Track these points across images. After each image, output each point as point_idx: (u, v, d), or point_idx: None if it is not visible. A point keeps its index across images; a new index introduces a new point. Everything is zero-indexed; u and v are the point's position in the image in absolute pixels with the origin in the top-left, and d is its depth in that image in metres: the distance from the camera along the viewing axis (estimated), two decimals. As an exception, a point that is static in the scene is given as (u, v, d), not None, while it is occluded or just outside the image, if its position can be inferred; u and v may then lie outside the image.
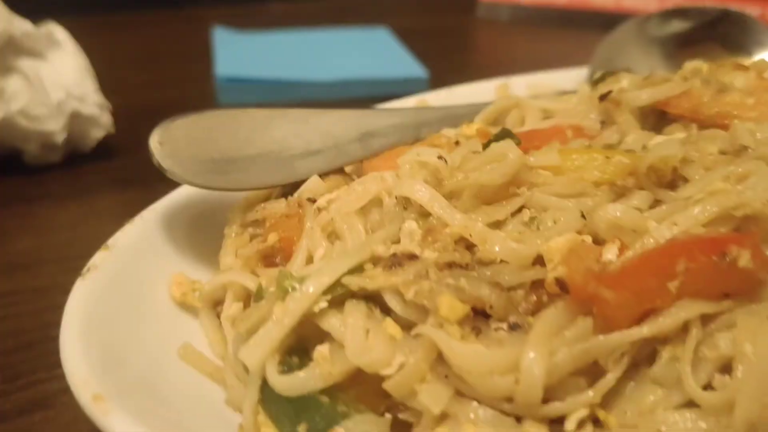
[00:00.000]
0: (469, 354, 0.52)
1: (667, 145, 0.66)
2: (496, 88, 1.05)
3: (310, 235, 0.68)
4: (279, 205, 0.73)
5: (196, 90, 1.38)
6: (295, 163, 0.76)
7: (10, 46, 1.08)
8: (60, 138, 1.09)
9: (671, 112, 0.79)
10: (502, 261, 0.59)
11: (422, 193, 0.64)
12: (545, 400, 0.52)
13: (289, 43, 1.56)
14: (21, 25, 1.09)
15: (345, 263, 0.60)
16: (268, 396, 0.57)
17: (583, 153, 0.67)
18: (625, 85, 0.83)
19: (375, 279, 0.59)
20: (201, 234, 0.74)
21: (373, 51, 1.52)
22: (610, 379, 0.53)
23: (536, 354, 0.51)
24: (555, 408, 0.52)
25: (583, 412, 0.52)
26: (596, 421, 0.53)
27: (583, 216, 0.61)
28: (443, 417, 0.54)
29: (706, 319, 0.54)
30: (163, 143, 0.68)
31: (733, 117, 0.74)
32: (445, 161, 0.67)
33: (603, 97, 0.81)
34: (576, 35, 1.84)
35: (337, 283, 0.59)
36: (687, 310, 0.53)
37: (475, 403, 0.54)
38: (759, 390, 0.49)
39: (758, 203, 0.58)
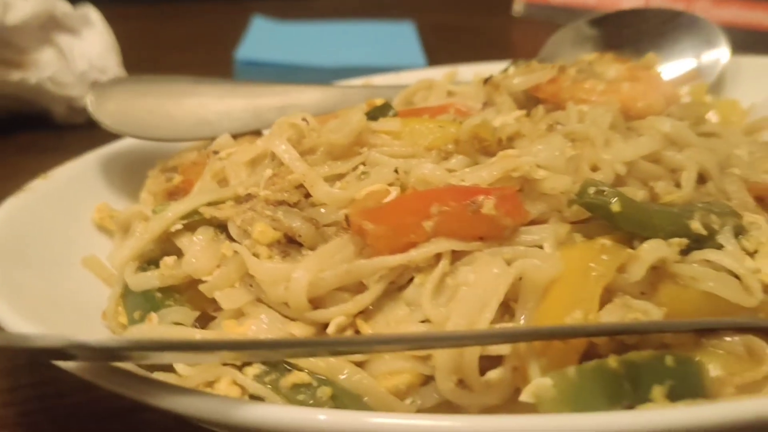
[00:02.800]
0: (262, 268, 0.66)
1: (483, 120, 0.76)
2: (444, 75, 1.17)
3: (203, 179, 0.84)
4: (191, 155, 0.89)
5: (217, 72, 1.57)
6: (215, 124, 0.92)
7: (50, 23, 1.30)
8: (82, 102, 1.30)
9: (539, 96, 0.89)
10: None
11: (279, 147, 0.78)
12: (316, 308, 0.66)
13: (313, 33, 1.73)
14: (62, 6, 1.32)
15: (205, 197, 0.76)
16: (125, 290, 0.73)
17: (420, 122, 0.80)
18: (510, 72, 0.94)
19: (222, 210, 0.74)
20: (131, 176, 0.91)
21: (384, 42, 1.66)
22: (366, 295, 0.65)
23: (304, 269, 0.64)
24: (319, 313, 0.65)
25: (342, 319, 0.65)
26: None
27: (396, 171, 0.74)
28: (240, 314, 0.68)
29: (458, 255, 0.66)
30: (98, 99, 0.86)
31: (583, 101, 0.84)
32: (307, 122, 0.81)
33: (486, 82, 0.92)
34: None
35: (194, 212, 0.75)
36: (438, 246, 0.65)
37: (266, 307, 0.67)
38: (468, 308, 0.61)
39: (527, 167, 0.68)
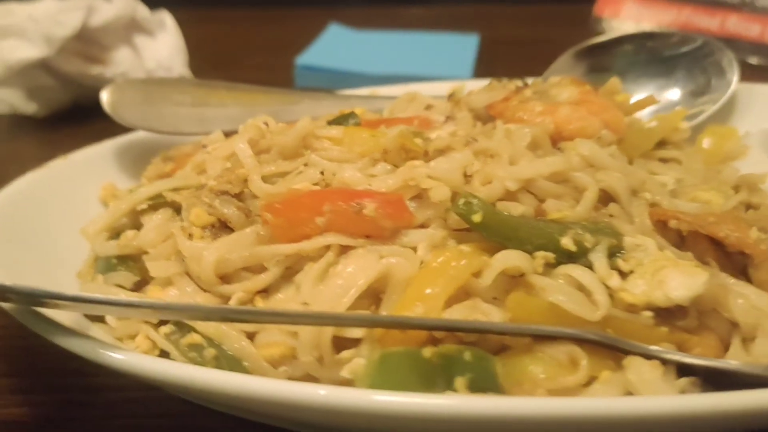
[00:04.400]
0: (185, 245, 0.79)
1: (404, 132, 0.84)
2: (451, 87, 1.24)
3: (185, 168, 0.97)
4: (187, 147, 1.03)
5: (282, 75, 1.72)
6: (214, 121, 1.06)
7: (131, 25, 1.50)
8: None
9: (492, 113, 0.95)
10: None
11: (238, 145, 0.90)
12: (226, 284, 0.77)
13: (378, 41, 1.84)
14: (142, 11, 1.51)
15: (170, 183, 0.89)
16: (97, 256, 0.88)
17: (358, 131, 0.89)
18: (474, 89, 1.01)
19: (179, 195, 0.87)
20: (139, 162, 1.06)
21: (440, 53, 1.73)
22: (264, 276, 0.76)
23: (213, 249, 0.76)
24: (224, 288, 0.77)
25: (242, 295, 0.76)
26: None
27: (322, 173, 0.84)
28: (169, 283, 0.81)
29: (347, 249, 0.75)
30: (113, 96, 1.02)
31: (522, 120, 0.90)
32: (267, 125, 0.93)
33: (450, 98, 1.00)
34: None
35: (159, 195, 0.88)
36: (326, 239, 0.74)
37: (189, 279, 0.80)
38: (332, 294, 0.70)
39: (421, 177, 0.76)
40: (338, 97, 1.16)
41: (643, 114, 1.10)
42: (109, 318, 0.78)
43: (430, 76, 1.59)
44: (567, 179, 0.81)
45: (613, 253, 0.73)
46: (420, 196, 0.77)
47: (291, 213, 0.75)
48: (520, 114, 0.90)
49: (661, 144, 1.00)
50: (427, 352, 0.63)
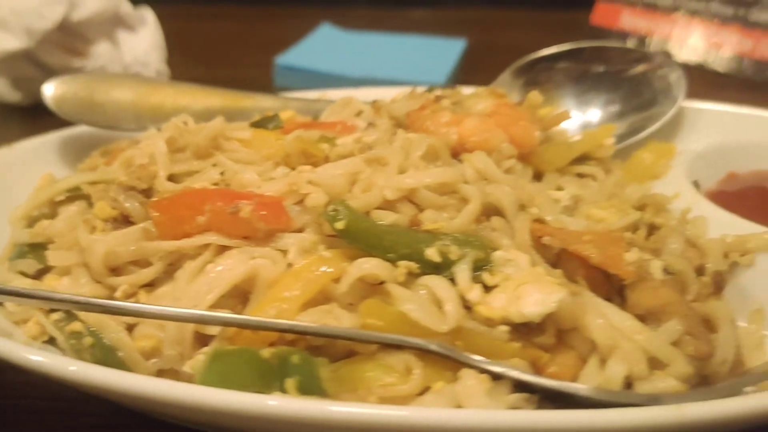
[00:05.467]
0: (81, 237, 0.82)
1: (301, 137, 0.86)
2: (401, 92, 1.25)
3: (113, 162, 1.01)
4: (123, 143, 1.07)
5: (261, 73, 1.75)
6: (151, 118, 1.09)
7: (115, 20, 1.55)
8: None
9: (407, 122, 0.96)
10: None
11: (156, 144, 0.93)
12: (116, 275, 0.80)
13: (365, 43, 1.86)
14: (126, 6, 1.56)
15: (88, 177, 0.93)
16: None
17: (266, 134, 0.92)
18: (397, 97, 1.02)
19: (91, 188, 0.91)
20: (81, 154, 1.10)
21: (423, 58, 1.74)
22: (147, 270, 0.79)
23: (103, 242, 0.79)
24: (112, 279, 0.80)
25: (126, 287, 0.79)
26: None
27: (222, 174, 0.86)
28: (67, 272, 0.84)
29: (226, 248, 0.77)
30: (55, 91, 1.07)
31: (429, 130, 0.91)
32: (186, 125, 0.96)
33: (372, 105, 1.01)
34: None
35: (77, 187, 0.92)
36: (204, 238, 0.77)
37: (85, 270, 0.83)
38: (198, 291, 0.73)
39: (301, 183, 0.78)
40: (283, 100, 1.18)
41: (573, 128, 1.10)
42: (8, 303, 0.81)
43: (406, 80, 1.60)
44: (455, 191, 0.82)
45: (480, 266, 0.74)
46: (303, 201, 0.79)
47: (173, 211, 0.78)
48: (428, 124, 0.91)
49: (584, 158, 1.01)
50: (266, 352, 0.66)
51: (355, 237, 0.73)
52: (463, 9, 2.37)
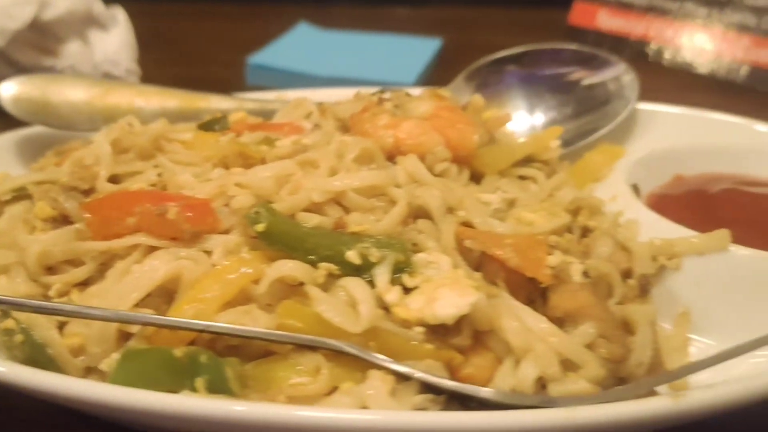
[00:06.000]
0: (19, 237, 0.84)
1: (235, 139, 0.88)
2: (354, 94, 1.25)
3: (64, 162, 1.03)
4: (76, 143, 1.09)
5: (236, 72, 1.76)
6: (104, 119, 1.11)
7: (87, 19, 1.57)
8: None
9: (350, 124, 0.97)
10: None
11: (100, 146, 0.95)
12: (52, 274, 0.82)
13: (340, 42, 1.87)
14: (98, 6, 1.58)
15: (35, 177, 0.94)
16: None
17: (206, 136, 0.93)
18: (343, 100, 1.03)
19: (35, 188, 0.92)
20: (39, 154, 1.12)
21: (395, 57, 1.75)
22: (79, 270, 0.80)
23: (37, 242, 0.81)
24: (46, 278, 0.81)
25: (59, 286, 0.81)
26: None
27: (160, 175, 0.88)
28: (6, 270, 0.86)
29: (151, 249, 0.79)
30: (11, 91, 1.08)
31: (368, 133, 0.92)
32: (131, 126, 0.97)
33: (318, 106, 1.03)
34: (647, 66, 1.86)
35: (22, 187, 0.94)
36: (133, 239, 0.78)
37: (23, 269, 0.85)
38: (122, 291, 0.74)
39: (229, 185, 0.80)
40: (239, 101, 1.19)
41: (525, 131, 1.11)
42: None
43: (376, 80, 1.61)
44: (385, 193, 0.83)
45: (401, 268, 0.75)
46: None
47: (104, 212, 0.80)
48: (367, 126, 0.92)
49: (531, 160, 1.01)
50: (178, 352, 0.67)
51: (276, 239, 0.74)
52: (444, 8, 2.37)
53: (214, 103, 1.16)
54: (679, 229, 0.86)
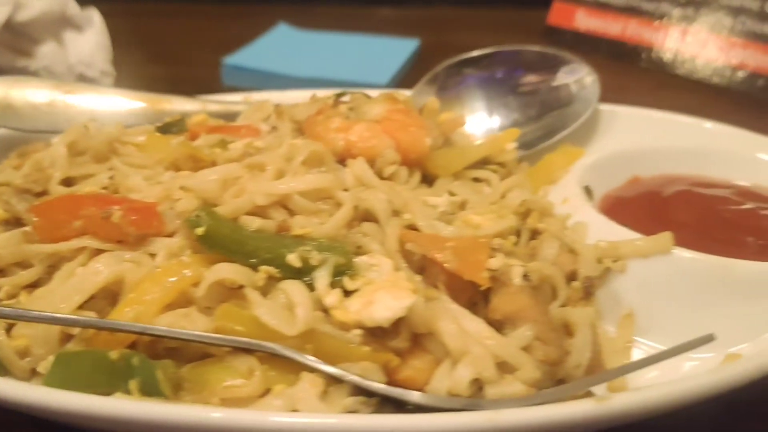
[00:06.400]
0: (-29, 237, 0.85)
1: (185, 142, 0.88)
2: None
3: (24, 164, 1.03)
4: (39, 145, 1.09)
5: (210, 72, 1.77)
6: (65, 121, 1.12)
7: (62, 20, 1.58)
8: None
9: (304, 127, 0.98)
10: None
11: (56, 149, 0.95)
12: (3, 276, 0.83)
13: (317, 43, 1.88)
14: (73, 7, 1.59)
15: (-16, 178, 0.95)
16: None
17: (159, 139, 0.94)
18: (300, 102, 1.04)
19: (-10, 191, 0.93)
20: (2, 157, 1.12)
21: (371, 58, 1.76)
22: (27, 272, 0.81)
23: (-11, 243, 0.82)
24: (4, 281, 0.81)
25: (8, 288, 0.81)
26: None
27: (112, 178, 0.89)
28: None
29: (98, 252, 0.79)
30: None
31: (319, 136, 0.93)
32: (87, 128, 0.98)
33: (275, 109, 1.03)
34: (624, 67, 1.87)
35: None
36: (79, 242, 0.79)
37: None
38: (65, 293, 0.75)
39: (174, 188, 0.80)
40: (203, 102, 1.20)
41: (482, 133, 1.12)
42: None
43: (349, 81, 1.62)
44: (331, 197, 0.84)
45: (342, 271, 0.75)
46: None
47: (51, 215, 0.81)
48: (319, 129, 0.93)
49: (488, 162, 1.02)
50: (114, 354, 0.68)
51: (215, 243, 0.75)
52: (426, 8, 2.37)
53: (178, 105, 1.17)
54: (626, 232, 0.86)
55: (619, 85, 1.76)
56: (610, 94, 1.61)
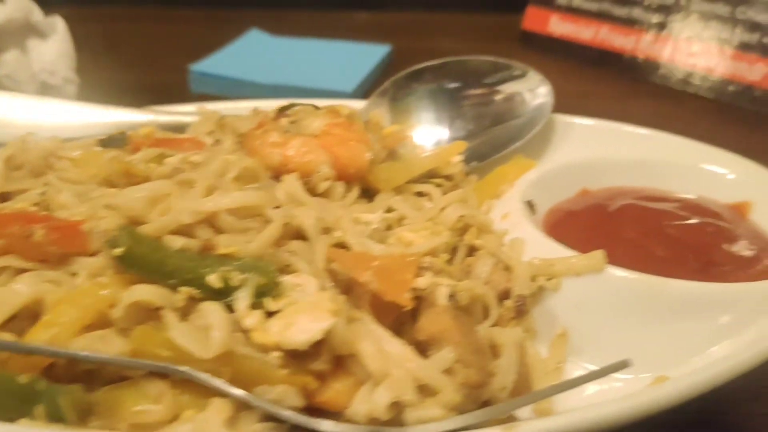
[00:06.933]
0: None
1: (116, 157, 0.87)
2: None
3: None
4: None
5: (178, 79, 1.76)
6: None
7: (24, 28, 1.57)
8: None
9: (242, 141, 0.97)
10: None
11: (-7, 161, 0.94)
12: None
13: (287, 49, 1.87)
14: (36, 14, 1.58)
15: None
16: None
17: (94, 154, 0.92)
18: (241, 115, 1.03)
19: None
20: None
21: (340, 64, 1.74)
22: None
23: None
24: None
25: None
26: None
27: (44, 194, 0.88)
28: None
29: (21, 271, 0.78)
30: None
31: (255, 151, 0.92)
32: (25, 142, 0.97)
33: (218, 121, 1.02)
34: (596, 74, 1.85)
35: None
36: (2, 261, 0.78)
37: None
38: None
39: (98, 206, 0.79)
40: (155, 113, 1.19)
41: (430, 145, 1.10)
42: None
43: (315, 88, 1.62)
44: (261, 214, 0.82)
45: (265, 292, 0.74)
46: (104, 224, 0.80)
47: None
48: (257, 144, 0.92)
49: (433, 176, 1.01)
50: (24, 378, 0.67)
51: (134, 263, 0.74)
52: (402, 12, 2.36)
53: (130, 116, 1.16)
54: (562, 249, 0.85)
55: (590, 91, 1.76)
56: (579, 101, 1.60)
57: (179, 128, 1.15)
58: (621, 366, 0.65)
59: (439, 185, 0.99)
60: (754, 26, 1.57)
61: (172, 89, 1.73)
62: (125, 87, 1.70)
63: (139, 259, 0.74)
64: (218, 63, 1.77)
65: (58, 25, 1.60)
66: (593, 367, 0.81)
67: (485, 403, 0.74)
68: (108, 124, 1.15)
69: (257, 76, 1.68)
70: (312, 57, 1.82)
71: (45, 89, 1.57)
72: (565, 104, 1.24)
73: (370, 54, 1.82)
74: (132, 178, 0.88)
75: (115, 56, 1.89)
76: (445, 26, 2.22)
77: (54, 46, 1.57)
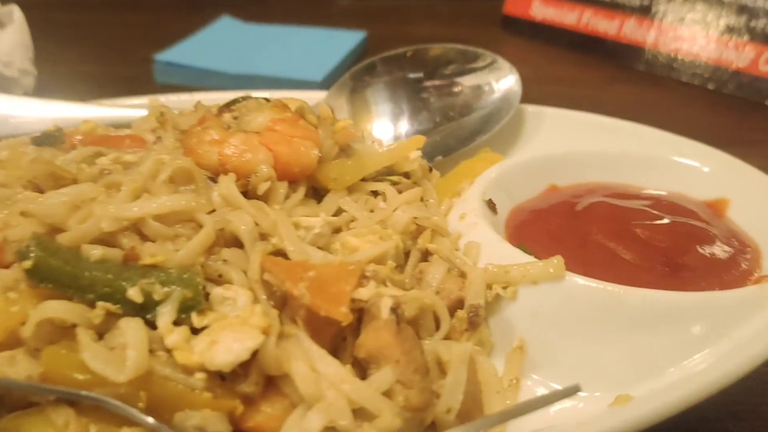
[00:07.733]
0: None
1: (41, 158, 0.81)
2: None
3: None
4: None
5: (144, 69, 1.69)
6: None
7: (-20, 19, 1.50)
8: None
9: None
10: None
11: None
12: None
13: (258, 36, 1.79)
14: (-7, 5, 1.51)
15: None
16: None
17: (18, 155, 0.86)
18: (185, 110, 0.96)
19: None
20: None
21: (312, 52, 1.67)
22: None
23: None
24: None
25: None
26: None
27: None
28: None
29: None
30: None
31: (192, 150, 0.85)
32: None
33: (158, 118, 0.96)
34: (579, 59, 1.78)
35: None
36: None
37: None
38: None
39: (13, 213, 0.73)
40: (101, 107, 1.12)
41: (389, 139, 1.04)
42: None
43: (284, 77, 1.55)
44: (193, 219, 0.76)
45: (189, 306, 0.68)
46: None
47: None
48: (194, 142, 0.86)
49: (391, 173, 0.95)
50: None
51: (46, 276, 0.68)
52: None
53: (71, 111, 1.09)
54: (520, 254, 0.79)
55: (573, 78, 1.69)
56: (561, 87, 1.54)
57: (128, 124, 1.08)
58: (572, 391, 0.59)
59: (396, 183, 0.92)
60: (741, 9, 1.49)
61: (141, 80, 1.66)
62: (85, 79, 1.65)
63: (51, 272, 0.68)
64: (184, 52, 1.70)
65: (14, 14, 1.53)
66: (551, 383, 0.75)
67: (430, 427, 0.68)
68: (47, 120, 1.09)
69: (224, 66, 1.61)
70: (283, 45, 1.75)
71: (2, 81, 1.50)
72: (546, 91, 1.18)
73: (343, 41, 1.75)
74: (60, 181, 0.82)
75: (81, 46, 1.82)
76: (427, 12, 2.15)
77: (10, 36, 1.50)
